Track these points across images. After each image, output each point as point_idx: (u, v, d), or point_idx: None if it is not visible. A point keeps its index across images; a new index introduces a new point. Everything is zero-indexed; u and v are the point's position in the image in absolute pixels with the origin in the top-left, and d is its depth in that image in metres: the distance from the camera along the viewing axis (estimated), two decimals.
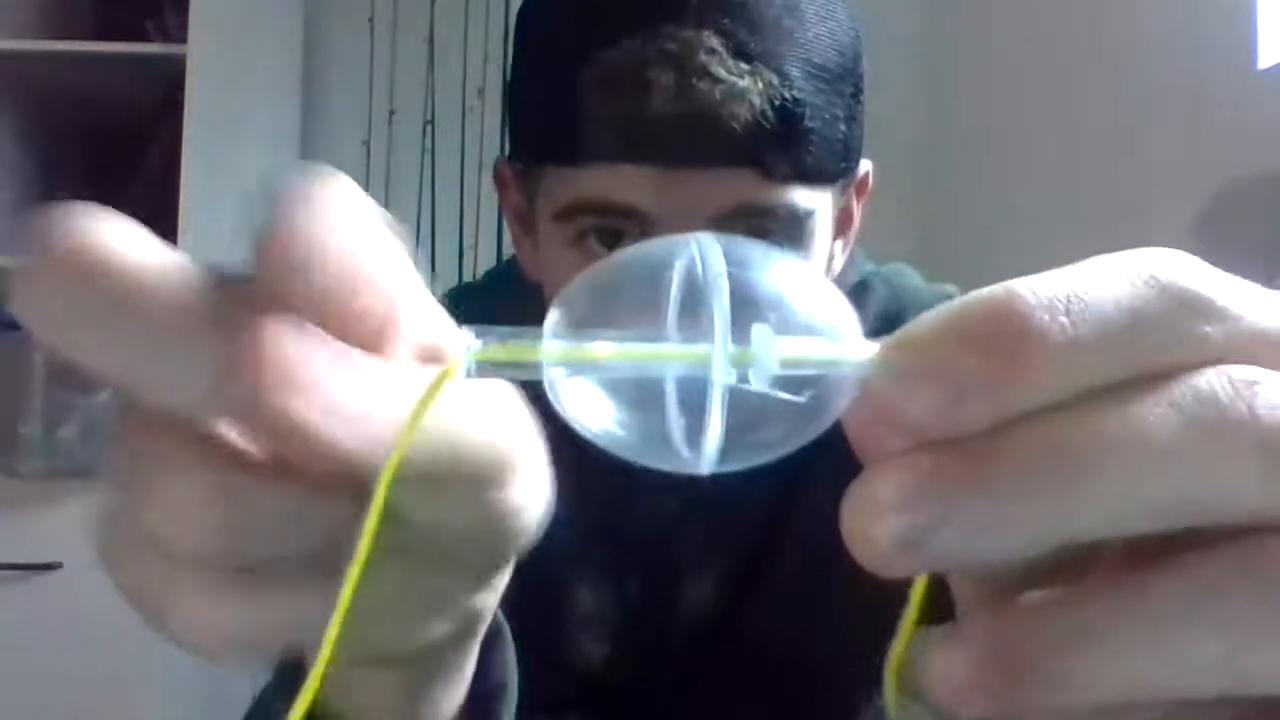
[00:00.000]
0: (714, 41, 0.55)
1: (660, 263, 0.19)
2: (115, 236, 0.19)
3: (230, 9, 1.81)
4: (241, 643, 0.21)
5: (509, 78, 0.68)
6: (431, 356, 0.20)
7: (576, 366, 0.19)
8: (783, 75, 0.56)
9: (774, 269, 0.19)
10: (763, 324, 0.18)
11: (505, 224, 0.72)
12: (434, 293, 0.21)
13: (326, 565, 0.20)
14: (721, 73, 0.54)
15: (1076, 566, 0.19)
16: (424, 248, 2.07)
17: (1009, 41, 1.93)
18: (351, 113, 2.20)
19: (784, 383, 0.18)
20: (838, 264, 0.68)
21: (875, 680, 0.20)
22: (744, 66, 0.55)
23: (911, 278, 0.74)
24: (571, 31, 0.59)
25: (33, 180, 1.84)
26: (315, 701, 0.31)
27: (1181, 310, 0.18)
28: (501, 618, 0.33)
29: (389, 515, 0.21)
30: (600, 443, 0.19)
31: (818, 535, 0.28)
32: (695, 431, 0.18)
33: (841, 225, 0.66)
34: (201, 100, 1.69)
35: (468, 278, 1.99)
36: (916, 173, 2.05)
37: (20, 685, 1.48)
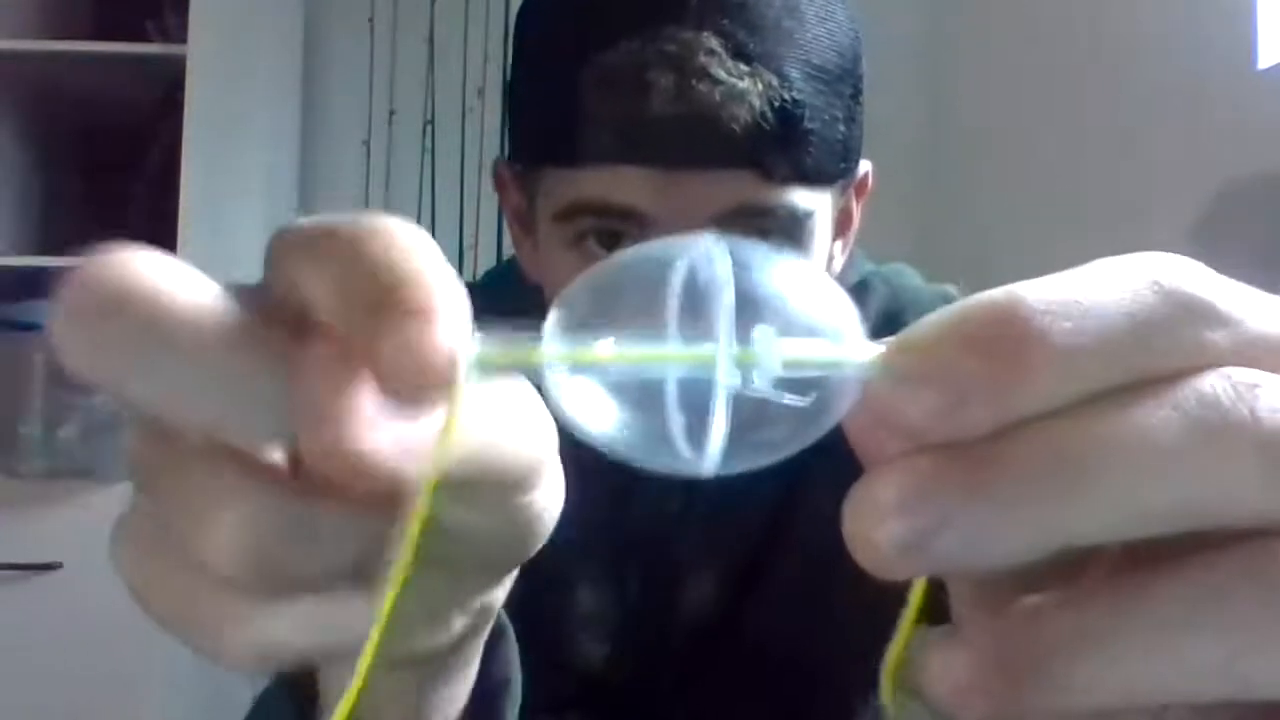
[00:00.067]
0: (713, 43, 0.55)
1: (662, 263, 0.19)
2: (148, 266, 0.19)
3: (230, 9, 1.81)
4: (284, 658, 0.22)
5: (509, 78, 0.68)
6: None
7: (578, 367, 0.19)
8: (782, 76, 0.56)
9: (777, 270, 0.19)
10: (765, 326, 0.18)
11: (505, 224, 0.72)
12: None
13: (362, 576, 0.21)
14: (721, 74, 0.54)
15: (1074, 568, 0.19)
16: None
17: (1009, 41, 1.93)
18: (351, 113, 2.20)
19: (786, 384, 0.18)
20: (837, 264, 0.68)
21: (874, 681, 0.20)
22: (743, 68, 0.55)
23: (911, 278, 0.74)
24: (571, 32, 0.59)
25: (33, 180, 1.84)
26: (320, 704, 0.31)
27: (1183, 315, 0.18)
28: (504, 615, 0.33)
29: (427, 526, 0.22)
30: (602, 444, 0.19)
31: (818, 536, 0.28)
32: (697, 432, 0.18)
33: (841, 226, 0.66)
34: (201, 100, 1.69)
35: (468, 278, 1.99)
36: (916, 173, 2.05)
37: (20, 685, 1.48)
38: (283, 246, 0.20)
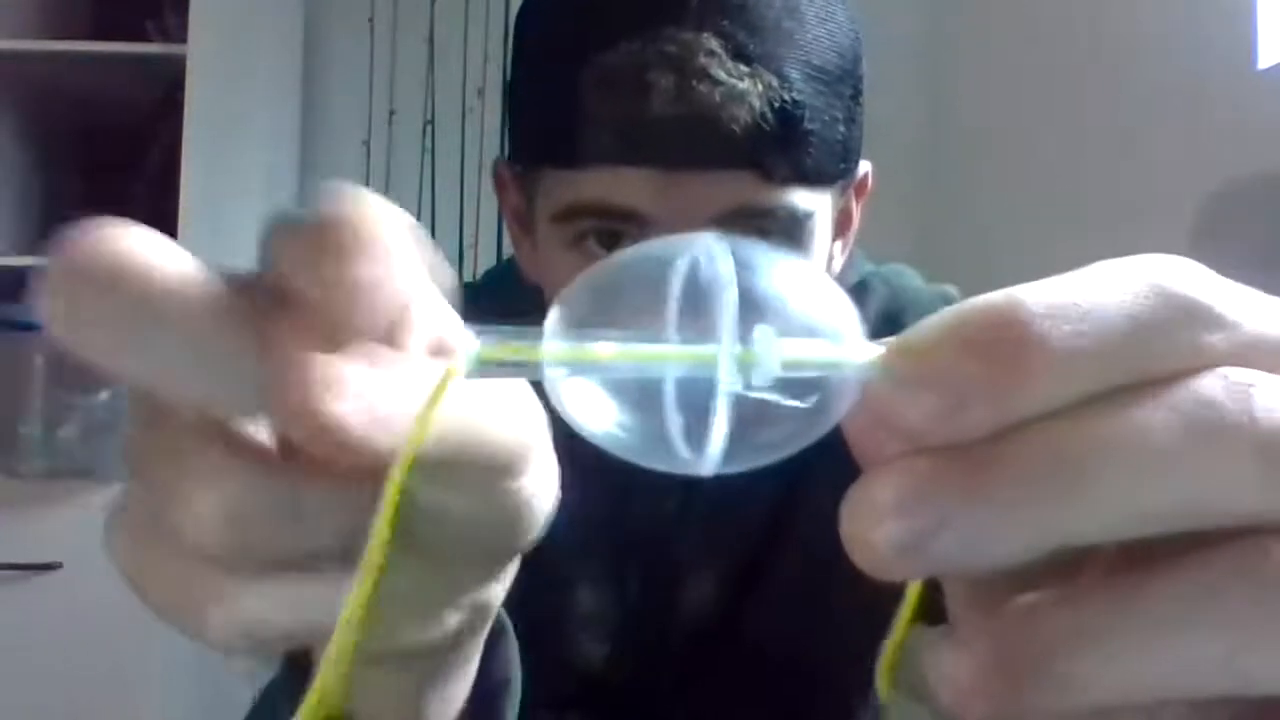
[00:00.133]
0: (713, 44, 0.55)
1: (662, 263, 0.19)
2: (140, 242, 0.19)
3: (230, 9, 1.81)
4: (271, 638, 0.22)
5: (508, 79, 0.68)
6: (441, 351, 0.20)
7: (578, 367, 0.19)
8: (782, 77, 0.56)
9: (777, 270, 0.19)
10: (765, 326, 0.18)
11: (505, 224, 0.72)
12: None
13: (349, 556, 0.21)
14: (721, 75, 0.54)
15: (1069, 567, 0.19)
16: None
17: (1009, 41, 1.93)
18: (351, 113, 2.20)
19: (786, 385, 0.18)
20: (837, 265, 0.68)
21: (873, 681, 0.20)
22: (743, 69, 0.55)
23: (911, 278, 0.75)
24: (571, 33, 0.59)
25: (33, 180, 1.84)
26: (321, 704, 0.31)
27: (1182, 318, 0.18)
28: (504, 614, 0.33)
29: (408, 508, 0.21)
30: (601, 444, 0.19)
31: (818, 537, 0.28)
32: (697, 432, 0.18)
33: (841, 226, 0.66)
34: (201, 100, 1.69)
35: (468, 278, 1.99)
36: (916, 173, 2.05)
37: (20, 685, 1.48)
38: (267, 228, 0.21)
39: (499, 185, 0.69)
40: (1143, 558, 0.18)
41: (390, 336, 0.19)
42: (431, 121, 2.18)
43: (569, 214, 0.59)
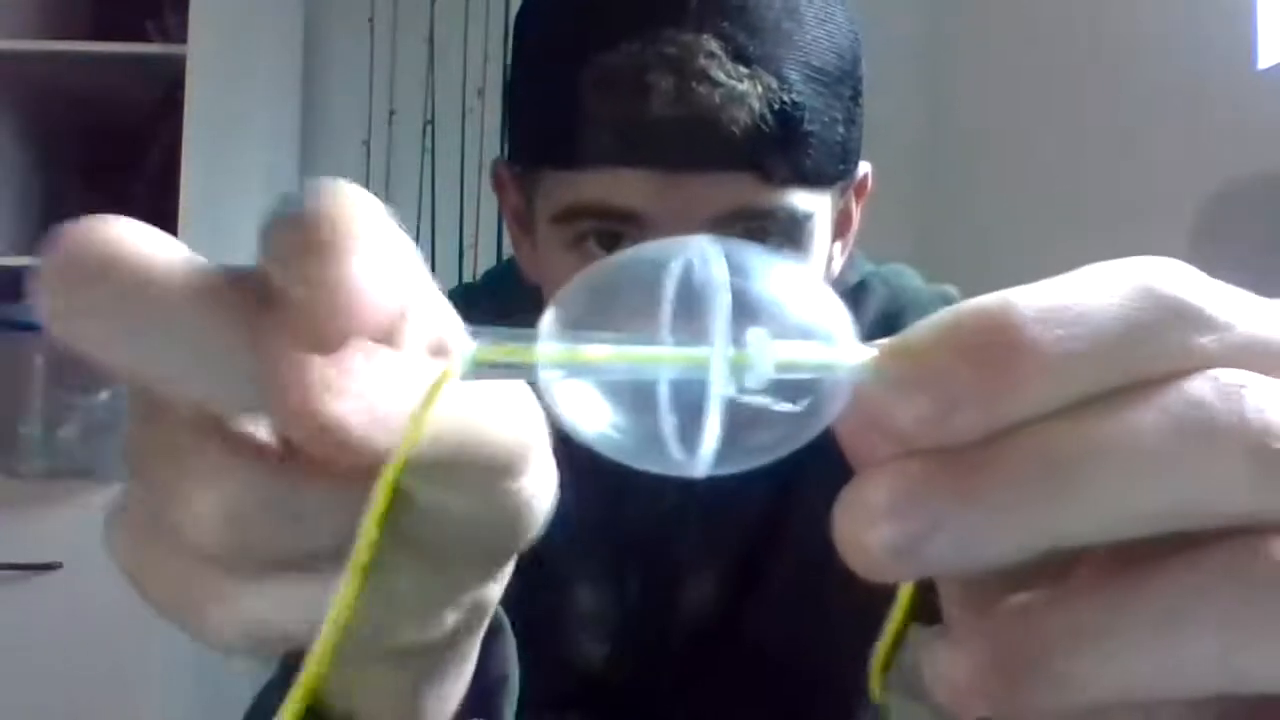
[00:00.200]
0: (713, 45, 0.55)
1: (657, 265, 0.19)
2: (132, 232, 0.19)
3: (230, 9, 1.81)
4: (271, 638, 0.22)
5: (508, 79, 0.68)
6: (441, 350, 0.20)
7: (572, 368, 0.19)
8: (781, 78, 0.56)
9: (770, 273, 0.19)
10: (758, 328, 0.18)
11: (505, 224, 0.73)
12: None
13: (348, 556, 0.20)
14: (720, 76, 0.54)
15: (1061, 567, 0.19)
16: (424, 248, 2.06)
17: (1009, 42, 1.93)
18: (351, 113, 2.20)
19: (779, 387, 0.18)
20: (837, 265, 0.68)
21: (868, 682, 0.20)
22: (743, 70, 0.55)
23: (911, 278, 0.75)
24: (570, 34, 0.59)
25: (33, 180, 1.84)
26: (318, 704, 0.31)
27: (1174, 320, 0.18)
28: (502, 613, 0.33)
29: (406, 507, 0.22)
30: (595, 445, 0.19)
31: (812, 538, 0.28)
32: (690, 434, 0.18)
33: (840, 227, 0.66)
34: (201, 100, 1.69)
35: (468, 278, 1.99)
36: (916, 174, 2.06)
37: (20, 685, 1.48)
38: (265, 219, 0.21)
39: (498, 186, 0.69)
40: (1134, 558, 0.18)
41: (389, 335, 0.19)
42: (431, 121, 2.18)
43: (568, 215, 0.59)
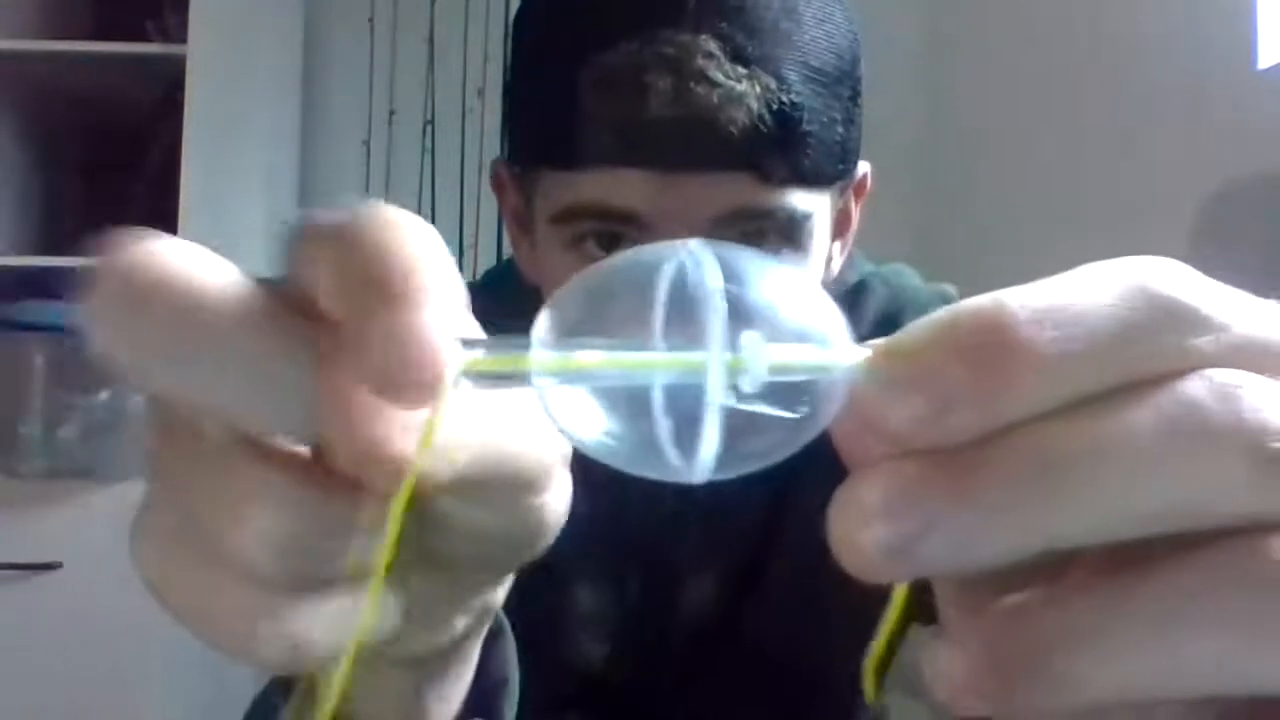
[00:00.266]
0: (711, 45, 0.55)
1: (651, 269, 0.19)
2: (189, 260, 0.19)
3: (230, 9, 1.81)
4: (312, 653, 0.21)
5: (507, 80, 0.68)
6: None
7: (566, 375, 0.19)
8: (780, 79, 0.56)
9: (763, 276, 0.19)
10: (752, 332, 0.18)
11: (504, 225, 0.73)
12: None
13: (388, 572, 0.21)
14: (719, 77, 0.54)
15: (1056, 568, 0.19)
16: None
17: (1009, 42, 1.93)
18: (351, 113, 2.20)
19: (774, 390, 0.18)
20: (836, 265, 0.68)
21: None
22: (741, 70, 0.55)
23: (911, 278, 0.75)
24: (569, 35, 0.59)
25: (33, 180, 1.84)
26: (316, 705, 0.31)
27: (1169, 320, 0.18)
28: (502, 615, 0.33)
29: (433, 524, 0.22)
30: (591, 452, 0.19)
31: (807, 539, 0.28)
32: (687, 440, 0.18)
33: (840, 227, 0.66)
34: (201, 100, 1.69)
35: (468, 278, 1.98)
36: (915, 174, 2.06)
37: (20, 685, 1.48)
38: (298, 236, 0.21)
39: (497, 186, 0.69)
40: (1129, 559, 0.18)
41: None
42: (431, 121, 2.18)
43: (567, 215, 0.59)
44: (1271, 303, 0.19)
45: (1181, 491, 0.17)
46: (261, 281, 0.20)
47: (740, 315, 0.18)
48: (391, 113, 2.20)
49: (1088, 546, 0.18)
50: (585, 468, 0.25)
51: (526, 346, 0.19)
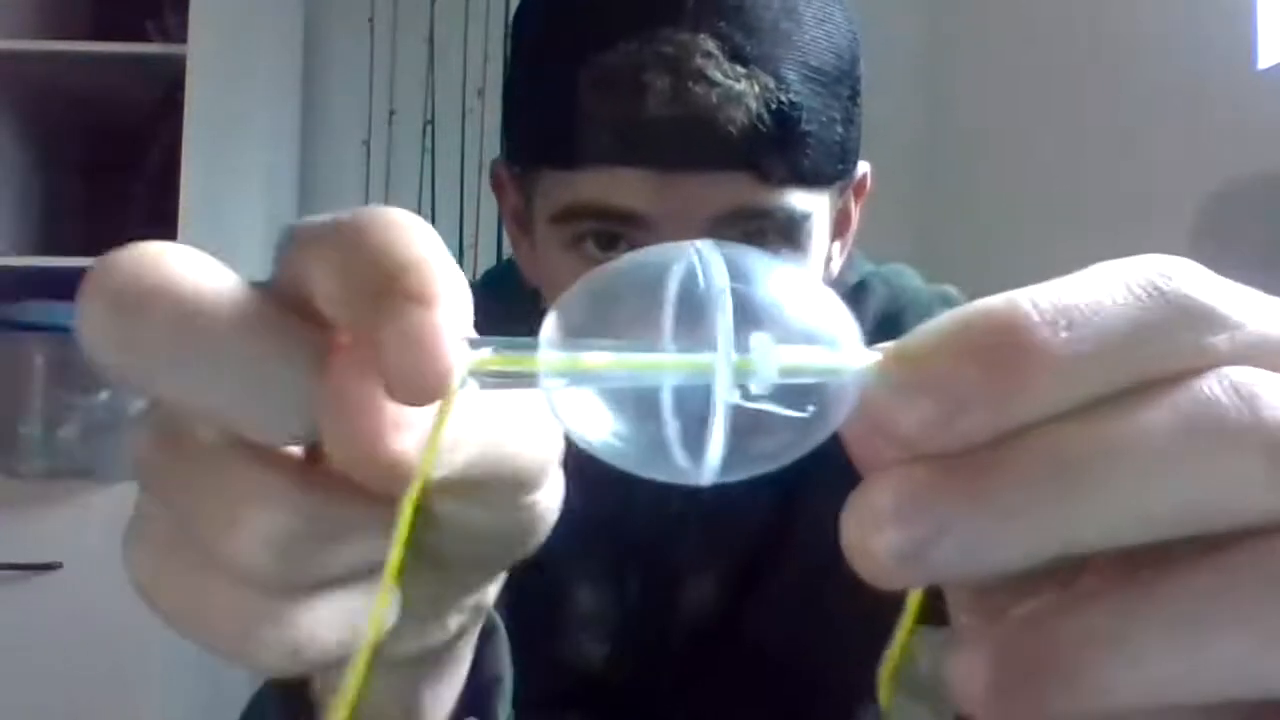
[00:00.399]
0: (710, 45, 0.55)
1: (658, 270, 0.19)
2: (187, 264, 0.19)
3: (230, 9, 1.80)
4: (311, 656, 0.21)
5: (506, 80, 0.68)
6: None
7: (574, 377, 0.18)
8: (779, 78, 0.56)
9: (772, 277, 0.19)
10: (762, 333, 0.18)
11: (504, 225, 0.72)
12: None
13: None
14: (718, 76, 0.54)
15: (1069, 572, 0.19)
16: None
17: (1008, 42, 1.93)
18: (351, 113, 2.20)
19: (783, 392, 0.18)
20: (836, 265, 0.68)
21: (874, 685, 0.20)
22: (740, 70, 0.55)
23: (911, 278, 0.74)
24: (568, 34, 0.59)
25: (33, 180, 1.84)
26: (318, 705, 0.31)
27: (1183, 319, 0.18)
28: (495, 613, 0.33)
29: (430, 523, 0.22)
30: (599, 454, 0.19)
31: (816, 542, 0.28)
32: (695, 442, 0.18)
33: (839, 227, 0.66)
34: (201, 100, 1.69)
35: (468, 278, 1.99)
36: (915, 174, 2.05)
37: (20, 685, 1.48)
38: (290, 242, 0.20)
39: (497, 186, 0.69)
40: (1144, 562, 0.18)
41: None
42: (431, 121, 2.18)
43: (567, 215, 0.59)
44: None
45: (1199, 491, 0.17)
46: (256, 285, 0.20)
47: (749, 316, 0.18)
48: (391, 113, 2.20)
49: (1102, 552, 0.18)
50: (586, 469, 0.25)
51: (534, 347, 0.19)
